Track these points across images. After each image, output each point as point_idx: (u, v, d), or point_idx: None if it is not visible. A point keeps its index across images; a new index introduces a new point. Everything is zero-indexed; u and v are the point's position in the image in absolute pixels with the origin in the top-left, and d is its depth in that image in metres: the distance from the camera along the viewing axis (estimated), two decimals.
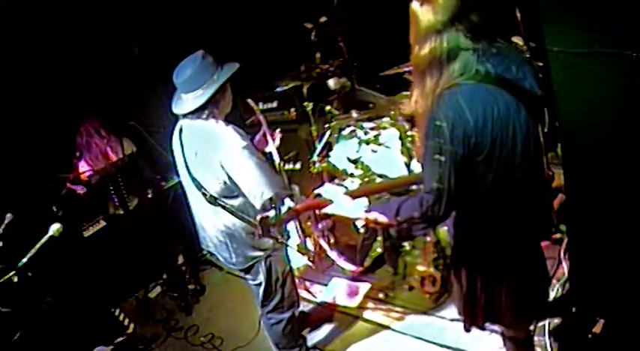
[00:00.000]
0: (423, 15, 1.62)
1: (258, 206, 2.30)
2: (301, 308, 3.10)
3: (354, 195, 2.05)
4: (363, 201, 2.04)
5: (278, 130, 2.87)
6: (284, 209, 2.01)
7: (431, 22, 1.61)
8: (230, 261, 2.59)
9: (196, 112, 2.37)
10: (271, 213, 1.95)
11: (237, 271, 2.69)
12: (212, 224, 2.53)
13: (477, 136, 1.62)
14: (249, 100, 2.82)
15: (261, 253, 2.54)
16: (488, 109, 1.62)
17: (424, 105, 1.70)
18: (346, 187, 3.28)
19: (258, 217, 1.96)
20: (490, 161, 1.67)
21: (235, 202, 2.40)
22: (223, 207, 2.39)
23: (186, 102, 2.38)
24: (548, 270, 2.17)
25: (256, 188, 2.28)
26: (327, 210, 2.08)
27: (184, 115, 2.43)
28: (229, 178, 2.33)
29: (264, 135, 2.79)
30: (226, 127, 2.38)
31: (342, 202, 2.03)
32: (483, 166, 1.67)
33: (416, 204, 1.74)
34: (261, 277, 2.60)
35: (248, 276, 2.64)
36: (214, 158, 2.32)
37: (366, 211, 1.96)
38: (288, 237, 2.55)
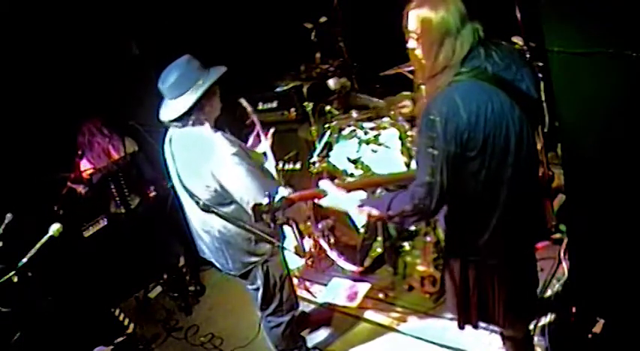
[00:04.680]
0: (440, 20, 1.64)
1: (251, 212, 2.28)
2: (301, 308, 3.09)
3: (348, 188, 2.05)
4: (358, 194, 2.03)
5: (272, 130, 2.84)
6: (278, 198, 2.00)
7: (449, 25, 1.64)
8: (227, 267, 2.57)
9: (182, 119, 2.32)
10: (265, 200, 1.94)
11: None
12: (207, 231, 2.51)
13: (470, 132, 1.66)
14: (242, 100, 2.78)
15: (257, 259, 2.52)
16: (482, 107, 1.66)
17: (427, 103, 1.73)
18: None
19: (252, 204, 1.95)
20: (483, 157, 1.70)
21: (229, 209, 2.37)
22: (217, 214, 2.35)
23: (170, 108, 2.32)
24: (537, 271, 2.18)
25: (248, 194, 2.24)
26: (322, 202, 2.07)
27: (172, 123, 2.37)
28: (221, 185, 2.30)
29: (258, 135, 2.77)
30: (215, 134, 2.33)
31: (336, 195, 2.02)
32: (476, 162, 1.71)
33: (407, 197, 1.78)
34: (259, 282, 2.58)
35: (246, 281, 2.62)
36: (205, 167, 2.29)
37: (359, 206, 1.97)
38: (284, 238, 2.53)
